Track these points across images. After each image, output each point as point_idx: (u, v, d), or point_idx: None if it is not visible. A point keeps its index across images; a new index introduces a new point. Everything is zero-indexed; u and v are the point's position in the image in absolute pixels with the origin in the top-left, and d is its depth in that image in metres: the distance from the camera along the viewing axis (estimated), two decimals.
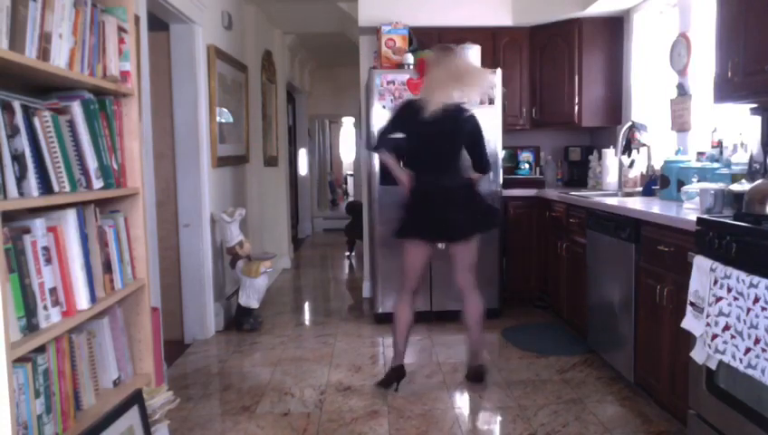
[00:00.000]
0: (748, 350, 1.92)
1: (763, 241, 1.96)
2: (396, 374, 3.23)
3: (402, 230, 3.20)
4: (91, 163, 1.90)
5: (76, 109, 1.87)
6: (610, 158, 4.37)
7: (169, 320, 3.95)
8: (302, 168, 9.70)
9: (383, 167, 4.34)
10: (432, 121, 3.06)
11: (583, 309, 3.70)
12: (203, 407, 3.07)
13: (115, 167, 2.07)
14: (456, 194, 3.12)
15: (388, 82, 4.30)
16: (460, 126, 3.13)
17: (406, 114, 3.18)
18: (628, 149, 4.20)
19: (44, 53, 1.67)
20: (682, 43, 3.71)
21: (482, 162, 3.24)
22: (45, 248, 1.66)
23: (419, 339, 4.08)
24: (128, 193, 2.18)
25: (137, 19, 3.03)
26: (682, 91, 3.74)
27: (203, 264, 4.20)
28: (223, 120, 4.63)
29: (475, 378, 3.28)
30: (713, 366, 2.18)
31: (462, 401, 3.11)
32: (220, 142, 4.53)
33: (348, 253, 7.69)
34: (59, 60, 1.75)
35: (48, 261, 1.67)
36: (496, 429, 2.85)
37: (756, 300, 1.89)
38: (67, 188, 1.75)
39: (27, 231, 1.61)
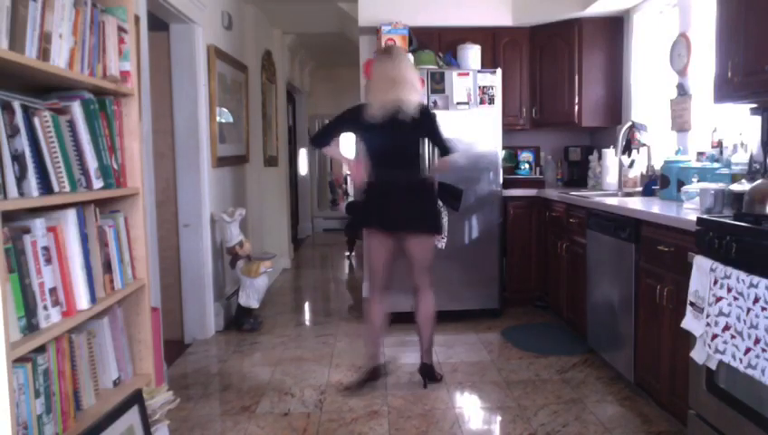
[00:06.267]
0: (748, 350, 1.92)
1: (763, 241, 1.96)
2: (372, 376, 3.30)
3: (359, 221, 3.32)
4: (91, 163, 1.90)
5: (76, 109, 1.87)
6: (610, 158, 4.37)
7: (169, 320, 3.95)
8: (302, 168, 9.70)
9: None
10: (382, 123, 3.11)
11: (583, 309, 3.70)
12: (203, 407, 3.06)
13: (115, 167, 2.07)
14: (410, 190, 3.17)
15: None
16: (412, 124, 3.13)
17: (354, 117, 3.24)
18: (628, 149, 4.20)
19: (44, 53, 1.67)
20: (682, 43, 3.71)
21: (445, 146, 3.26)
22: (45, 248, 1.66)
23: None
24: (128, 193, 2.18)
25: (137, 19, 3.03)
26: (682, 91, 3.74)
27: (203, 264, 4.20)
28: (223, 120, 4.63)
29: (429, 376, 3.31)
30: (713, 366, 2.18)
31: (462, 401, 3.11)
32: (220, 142, 4.53)
33: (348, 253, 7.69)
34: (59, 60, 1.75)
35: (48, 261, 1.67)
36: (496, 429, 2.85)
37: (756, 300, 1.89)
38: (67, 188, 1.75)
39: (27, 231, 1.61)
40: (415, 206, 3.17)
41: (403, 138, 3.17)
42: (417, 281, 3.32)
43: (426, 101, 4.31)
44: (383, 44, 4.56)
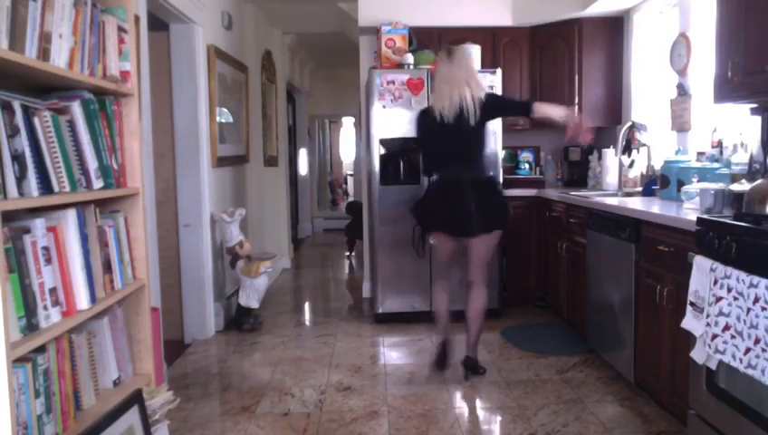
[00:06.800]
0: (748, 350, 1.92)
1: (763, 241, 1.96)
2: (439, 359, 3.37)
3: (425, 225, 3.37)
4: (91, 163, 1.90)
5: (76, 109, 1.86)
6: (610, 158, 4.37)
7: (169, 320, 3.95)
8: (302, 168, 9.70)
9: (383, 167, 4.37)
10: (446, 122, 3.19)
11: (583, 309, 3.70)
12: (203, 407, 3.07)
13: (115, 167, 2.07)
14: (475, 189, 3.20)
15: (389, 82, 4.30)
16: (477, 118, 3.19)
17: (424, 120, 3.35)
18: (628, 149, 4.20)
19: (44, 53, 1.67)
20: (682, 43, 3.71)
21: (520, 109, 3.52)
22: (45, 248, 1.66)
23: (419, 339, 4.07)
24: (128, 193, 2.18)
25: (137, 19, 3.03)
26: (682, 91, 3.74)
27: (203, 264, 4.20)
28: (223, 120, 4.63)
29: (472, 368, 3.39)
30: (713, 366, 2.18)
31: (462, 401, 3.11)
32: (220, 142, 4.53)
33: (348, 253, 7.69)
34: (59, 60, 1.75)
35: (48, 261, 1.67)
36: (496, 429, 2.85)
37: (756, 300, 1.89)
38: (67, 188, 1.75)
39: (27, 231, 1.61)
40: (479, 206, 3.18)
41: (467, 136, 3.23)
42: (472, 276, 3.37)
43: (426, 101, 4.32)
44: (384, 44, 4.56)
